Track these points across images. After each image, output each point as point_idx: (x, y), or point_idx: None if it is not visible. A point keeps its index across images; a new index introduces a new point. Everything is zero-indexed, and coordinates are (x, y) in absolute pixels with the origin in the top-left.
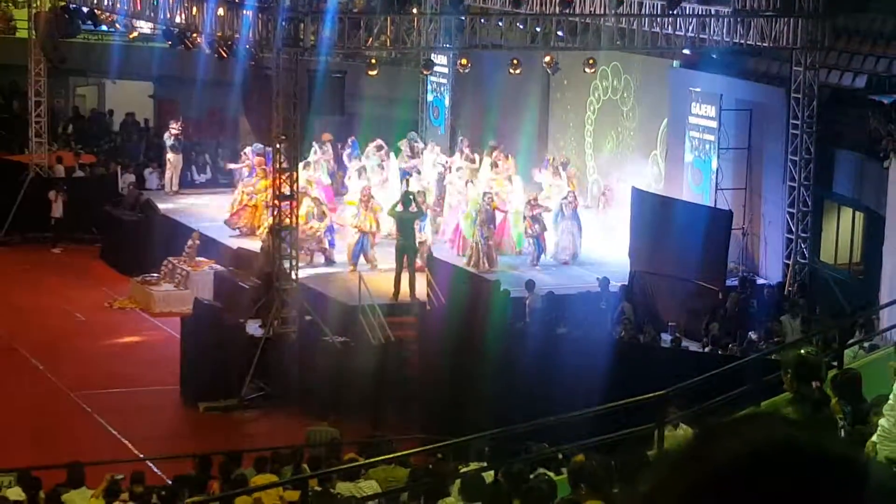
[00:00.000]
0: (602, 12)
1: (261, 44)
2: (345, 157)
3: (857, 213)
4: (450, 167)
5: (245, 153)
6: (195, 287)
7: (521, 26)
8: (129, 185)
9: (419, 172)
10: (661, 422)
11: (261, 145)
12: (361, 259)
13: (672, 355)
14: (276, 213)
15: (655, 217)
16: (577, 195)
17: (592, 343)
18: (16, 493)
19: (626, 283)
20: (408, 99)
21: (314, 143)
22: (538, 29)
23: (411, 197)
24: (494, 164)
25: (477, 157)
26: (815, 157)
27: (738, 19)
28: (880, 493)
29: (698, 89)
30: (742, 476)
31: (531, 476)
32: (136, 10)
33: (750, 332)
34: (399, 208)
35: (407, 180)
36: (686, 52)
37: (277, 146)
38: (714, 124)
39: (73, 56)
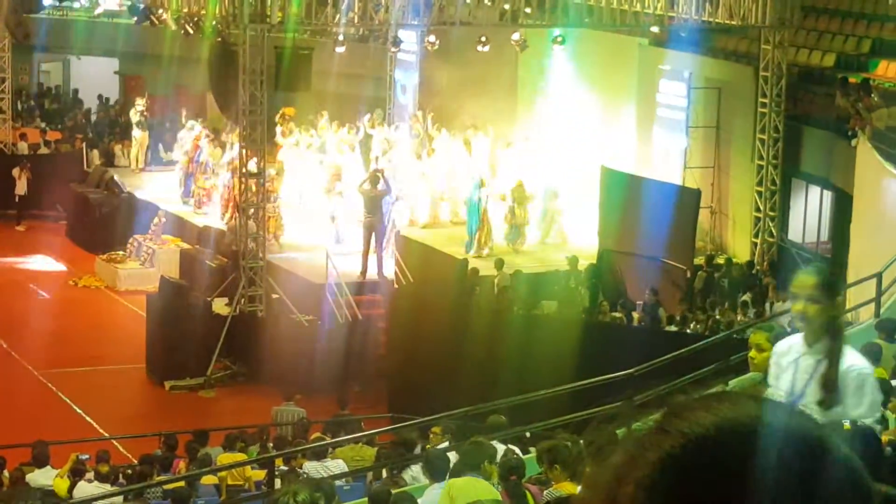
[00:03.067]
0: None
1: (227, 20)
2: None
3: (825, 192)
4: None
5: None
6: (161, 265)
7: (490, 3)
8: (99, 162)
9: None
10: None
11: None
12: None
13: (640, 334)
14: (242, 190)
15: (624, 196)
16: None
17: (562, 322)
18: None
19: (595, 261)
20: (375, 76)
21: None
22: (506, 6)
23: (379, 175)
24: (467, 143)
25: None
26: (783, 136)
27: None
28: (843, 469)
29: (667, 67)
30: (712, 449)
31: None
32: None
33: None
34: (367, 186)
35: (376, 158)
36: (654, 29)
37: (244, 123)
38: (683, 102)
39: (38, 32)
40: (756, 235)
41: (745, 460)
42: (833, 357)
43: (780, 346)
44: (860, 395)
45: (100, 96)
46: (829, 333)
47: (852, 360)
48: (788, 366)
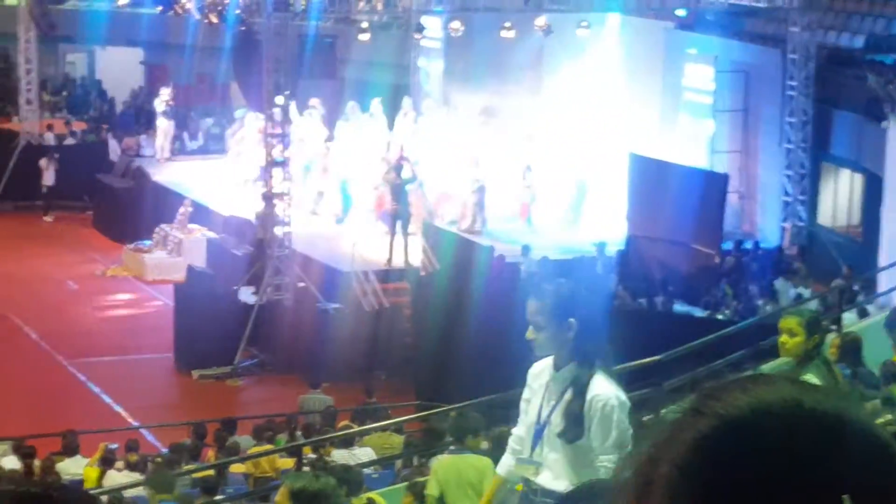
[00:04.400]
0: None
1: (251, 8)
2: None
3: (856, 175)
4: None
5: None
6: (188, 254)
7: None
8: (122, 152)
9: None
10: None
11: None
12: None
13: (668, 320)
14: (267, 179)
15: (652, 181)
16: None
17: None
18: (10, 461)
19: (623, 247)
20: (400, 63)
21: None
22: None
23: (402, 162)
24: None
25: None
26: (812, 119)
27: None
28: (878, 451)
29: (693, 51)
30: (747, 430)
31: None
32: None
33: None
34: (391, 174)
35: (401, 146)
36: (681, 13)
37: (268, 111)
38: (710, 86)
39: (63, 23)
40: (785, 220)
41: (780, 441)
42: (578, 385)
43: (535, 367)
44: (606, 428)
45: (132, 91)
46: (575, 358)
47: (600, 389)
48: (539, 389)
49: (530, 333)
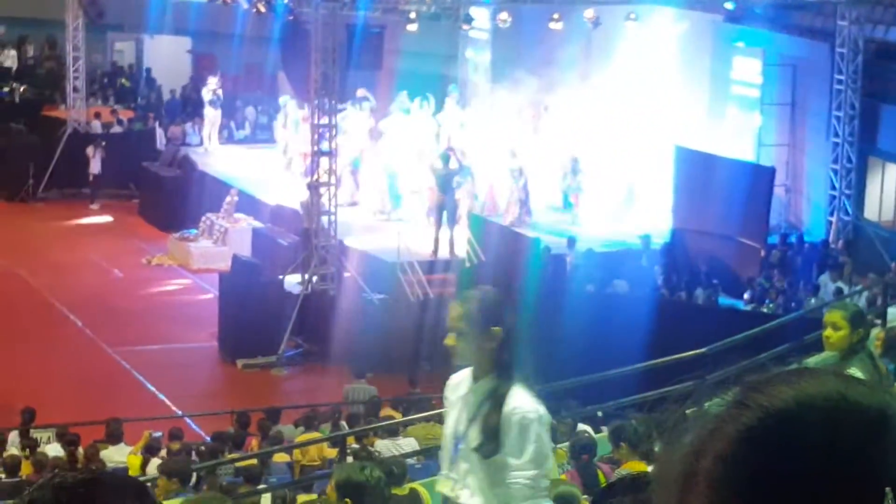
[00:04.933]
0: None
1: None
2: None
3: None
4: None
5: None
6: (233, 243)
7: None
8: (168, 140)
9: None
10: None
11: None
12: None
13: (713, 313)
14: (314, 168)
15: (698, 174)
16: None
17: (633, 301)
18: (55, 448)
19: (668, 240)
20: (447, 54)
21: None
22: None
23: (449, 153)
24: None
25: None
26: (859, 113)
27: None
28: None
29: (741, 44)
30: (791, 423)
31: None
32: None
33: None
34: (437, 165)
35: (448, 137)
36: (729, 5)
37: (316, 101)
38: (757, 80)
39: (111, 11)
40: (831, 214)
41: (824, 435)
42: (496, 397)
43: (454, 378)
44: (522, 442)
45: (184, 86)
46: (495, 369)
47: (518, 402)
48: (456, 402)
49: (450, 340)
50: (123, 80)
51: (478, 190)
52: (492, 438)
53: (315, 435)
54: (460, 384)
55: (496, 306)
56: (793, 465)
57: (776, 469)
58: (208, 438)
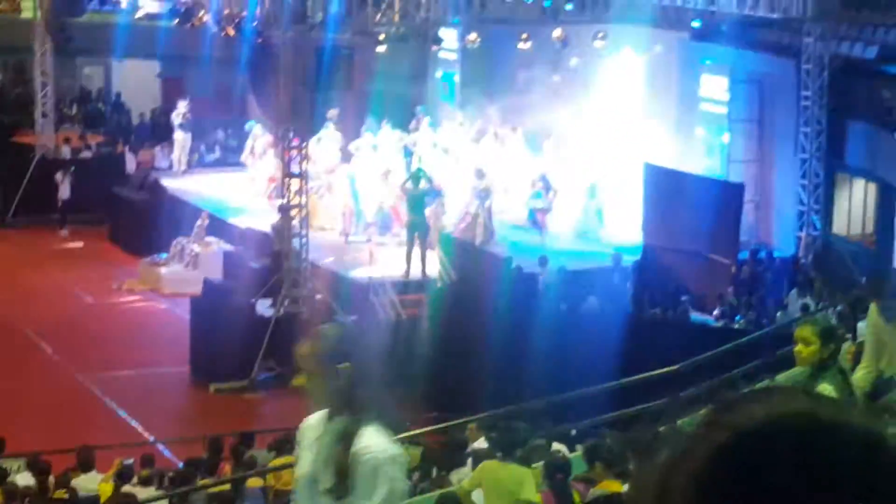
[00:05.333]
0: None
1: (268, 21)
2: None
3: (870, 185)
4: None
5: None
6: (204, 267)
7: (531, 0)
8: (138, 165)
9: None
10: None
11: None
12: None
13: (684, 330)
14: (286, 190)
15: (667, 191)
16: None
17: (605, 318)
18: (25, 478)
19: (639, 257)
20: (417, 75)
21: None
22: (548, 3)
23: (421, 174)
24: (495, 137)
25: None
26: (826, 129)
27: None
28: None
29: (708, 62)
30: (764, 442)
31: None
32: None
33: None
34: (409, 185)
35: (418, 157)
36: (695, 24)
37: (284, 124)
38: (725, 97)
39: (80, 36)
40: (800, 229)
41: (796, 453)
42: (346, 437)
43: (309, 419)
44: (373, 484)
45: (153, 110)
46: (346, 408)
47: (369, 442)
48: (312, 444)
49: (299, 380)
50: (100, 106)
51: (448, 210)
52: (342, 480)
53: (289, 459)
54: (314, 426)
55: (344, 342)
56: (765, 485)
57: (749, 488)
58: (180, 464)
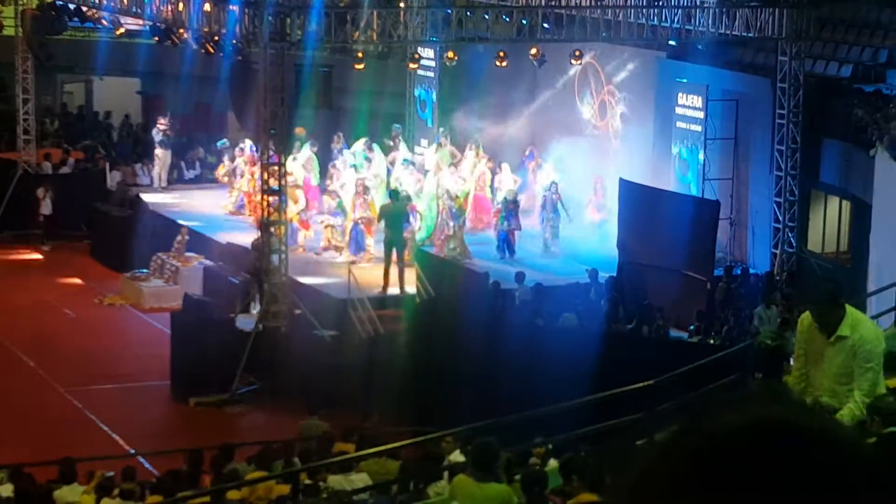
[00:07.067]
0: (588, 4)
1: (247, 38)
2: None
3: (844, 202)
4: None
5: (241, 148)
6: (185, 282)
7: (507, 19)
8: (119, 181)
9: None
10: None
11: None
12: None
13: (660, 345)
14: (264, 207)
15: (643, 208)
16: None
17: (582, 334)
18: (7, 489)
19: (615, 274)
20: (395, 92)
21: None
22: (524, 21)
23: (398, 191)
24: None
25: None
26: (801, 147)
27: (724, 10)
28: (870, 472)
29: (684, 80)
30: (739, 448)
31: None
32: (122, 7)
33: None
34: (386, 202)
35: (396, 177)
36: (672, 43)
37: (264, 141)
38: (700, 115)
39: (60, 53)
40: (775, 246)
41: (772, 459)
42: None
43: None
44: None
45: (127, 116)
46: None
47: None
48: None
49: None
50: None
51: (424, 226)
52: None
53: (266, 472)
54: None
55: None
56: (740, 491)
57: (721, 493)
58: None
